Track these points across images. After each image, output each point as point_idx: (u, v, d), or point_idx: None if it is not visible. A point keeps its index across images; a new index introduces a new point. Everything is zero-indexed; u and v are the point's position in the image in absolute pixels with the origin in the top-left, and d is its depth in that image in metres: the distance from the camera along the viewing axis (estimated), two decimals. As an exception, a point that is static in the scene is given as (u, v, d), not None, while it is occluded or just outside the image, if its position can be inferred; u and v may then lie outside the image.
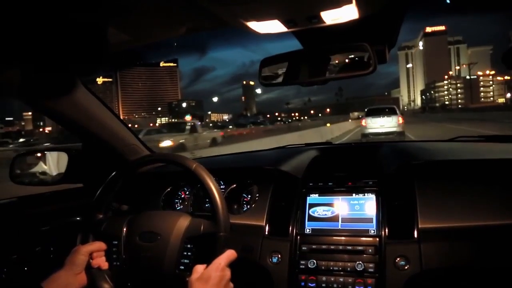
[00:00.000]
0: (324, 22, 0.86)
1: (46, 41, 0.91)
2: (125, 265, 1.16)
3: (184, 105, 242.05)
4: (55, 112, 1.38)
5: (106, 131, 1.55)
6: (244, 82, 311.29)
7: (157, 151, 1.97)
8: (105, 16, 0.82)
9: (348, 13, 0.83)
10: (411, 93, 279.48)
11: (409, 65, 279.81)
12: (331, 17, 0.84)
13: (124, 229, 1.19)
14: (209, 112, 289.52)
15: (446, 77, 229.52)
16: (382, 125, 16.43)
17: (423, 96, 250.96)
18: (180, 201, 1.67)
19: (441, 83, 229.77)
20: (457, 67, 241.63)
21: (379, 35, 1.15)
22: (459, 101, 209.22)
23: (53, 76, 1.24)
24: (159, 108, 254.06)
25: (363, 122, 17.27)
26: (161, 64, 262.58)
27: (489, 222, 1.19)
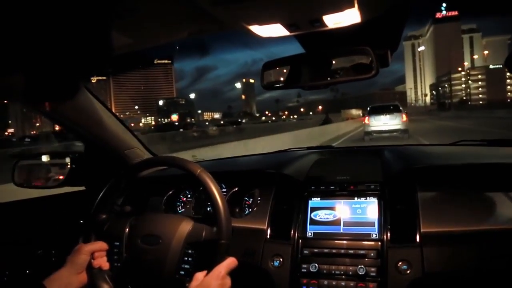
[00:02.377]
0: (326, 26, 0.86)
1: (49, 44, 0.91)
2: (126, 266, 1.16)
3: (161, 103, 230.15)
4: (58, 115, 1.38)
5: (108, 134, 1.55)
6: (244, 80, 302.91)
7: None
8: (108, 19, 0.82)
9: (350, 17, 0.83)
10: (418, 88, 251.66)
11: (422, 48, 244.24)
12: (333, 21, 0.84)
13: (126, 231, 1.19)
14: (199, 111, 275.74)
15: (460, 69, 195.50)
16: (386, 123, 16.26)
17: (433, 91, 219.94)
18: (182, 204, 1.66)
19: (457, 75, 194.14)
20: (476, 56, 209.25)
21: (381, 38, 1.15)
22: (480, 96, 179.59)
23: (56, 79, 1.24)
24: (136, 107, 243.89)
25: (366, 120, 17.09)
26: (155, 61, 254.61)
27: (492, 226, 1.19)
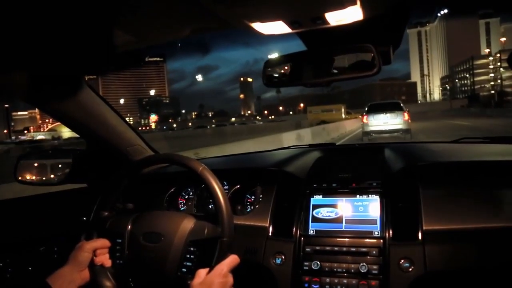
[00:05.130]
0: (329, 23, 0.86)
1: (52, 41, 0.92)
2: (128, 264, 1.16)
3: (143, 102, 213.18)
4: (60, 112, 1.39)
5: (111, 131, 1.55)
6: (242, 79, 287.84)
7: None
8: (111, 16, 0.82)
9: (352, 14, 0.83)
10: (425, 83, 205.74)
11: (444, 11, 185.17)
12: (335, 18, 0.84)
13: (129, 228, 1.20)
14: (183, 111, 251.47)
15: (485, 53, 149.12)
16: (386, 122, 15.29)
17: (446, 85, 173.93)
18: (184, 201, 1.67)
19: (482, 61, 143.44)
20: (503, 39, 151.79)
21: (383, 36, 1.15)
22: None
23: (58, 76, 1.24)
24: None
25: (364, 119, 16.06)
26: (146, 59, 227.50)
27: (494, 224, 1.18)
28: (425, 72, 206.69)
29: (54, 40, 0.91)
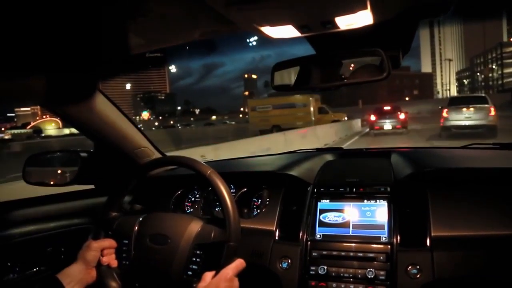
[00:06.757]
0: (338, 28, 0.86)
1: (63, 45, 0.92)
2: (134, 265, 1.17)
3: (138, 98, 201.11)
4: (68, 114, 1.39)
5: (118, 133, 1.56)
6: (246, 76, 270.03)
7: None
8: (121, 20, 0.83)
9: (362, 19, 0.82)
10: (438, 77, 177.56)
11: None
12: (345, 22, 0.83)
13: (136, 229, 1.20)
14: (179, 108, 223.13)
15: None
16: (468, 117, 13.94)
17: (464, 80, 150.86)
18: (190, 204, 1.67)
19: None
20: None
21: (393, 40, 1.14)
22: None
23: (69, 79, 1.25)
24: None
25: (445, 113, 14.63)
26: (147, 55, 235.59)
27: (503, 231, 1.17)
28: (437, 67, 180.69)
29: (66, 43, 0.92)
